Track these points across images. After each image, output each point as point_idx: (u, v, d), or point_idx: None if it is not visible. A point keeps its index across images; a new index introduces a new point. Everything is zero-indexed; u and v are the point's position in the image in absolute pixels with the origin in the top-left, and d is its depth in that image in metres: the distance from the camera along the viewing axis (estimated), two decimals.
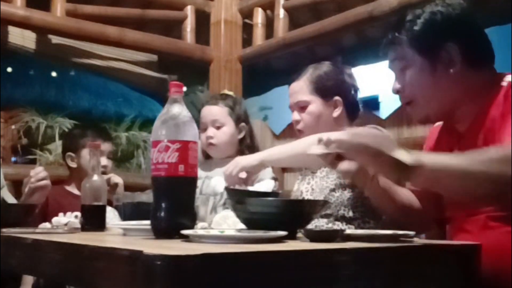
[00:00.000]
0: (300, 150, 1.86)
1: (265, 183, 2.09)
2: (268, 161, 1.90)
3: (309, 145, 1.76)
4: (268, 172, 2.22)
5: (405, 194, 1.68)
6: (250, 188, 1.87)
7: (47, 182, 2.17)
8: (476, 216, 1.46)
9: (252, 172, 1.91)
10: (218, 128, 2.39)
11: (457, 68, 1.47)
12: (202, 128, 2.41)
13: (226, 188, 1.76)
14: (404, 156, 1.21)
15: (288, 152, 1.91)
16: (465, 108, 1.50)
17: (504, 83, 1.45)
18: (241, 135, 2.44)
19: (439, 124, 1.70)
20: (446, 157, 1.29)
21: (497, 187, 1.20)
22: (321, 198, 1.95)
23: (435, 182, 1.26)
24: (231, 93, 2.60)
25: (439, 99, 1.45)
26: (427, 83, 1.50)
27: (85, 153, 2.69)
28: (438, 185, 1.31)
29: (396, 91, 1.58)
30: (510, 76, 1.46)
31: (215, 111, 2.40)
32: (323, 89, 2.06)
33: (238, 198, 1.64)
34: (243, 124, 2.44)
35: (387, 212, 1.77)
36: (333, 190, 1.95)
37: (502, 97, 1.41)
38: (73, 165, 2.81)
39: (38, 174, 2.15)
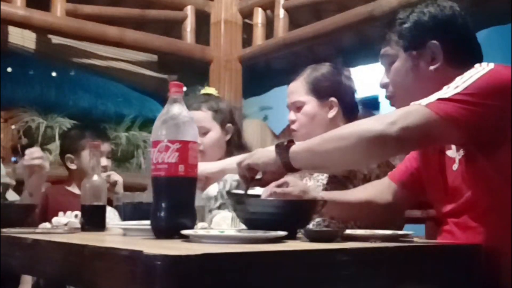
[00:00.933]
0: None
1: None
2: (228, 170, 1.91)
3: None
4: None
5: (359, 194, 1.76)
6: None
7: (42, 161, 2.15)
8: (457, 218, 1.47)
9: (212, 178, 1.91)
10: (203, 134, 2.30)
11: (438, 66, 1.51)
12: None
13: (227, 192, 1.75)
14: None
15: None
16: None
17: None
18: (228, 137, 2.39)
19: None
20: (306, 142, 1.49)
21: (340, 157, 1.41)
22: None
23: (306, 161, 1.44)
24: (212, 90, 2.52)
25: (417, 94, 1.46)
26: (408, 78, 1.55)
27: (85, 154, 2.69)
28: (309, 163, 1.47)
29: (383, 85, 1.64)
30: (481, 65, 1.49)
31: (198, 117, 2.29)
32: (319, 90, 2.06)
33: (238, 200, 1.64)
34: (229, 125, 2.38)
35: (351, 217, 1.85)
36: (324, 189, 1.95)
37: None
38: (73, 166, 2.79)
39: (33, 154, 2.15)
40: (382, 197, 1.74)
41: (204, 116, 2.34)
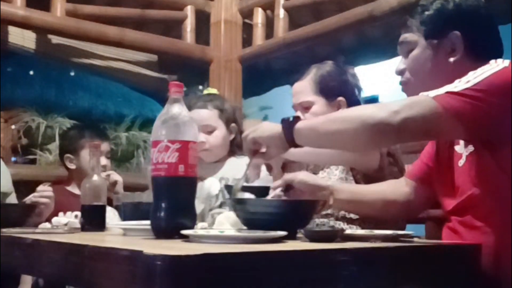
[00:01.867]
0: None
1: (262, 178, 2.08)
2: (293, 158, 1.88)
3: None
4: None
5: (379, 190, 1.74)
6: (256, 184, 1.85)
7: (48, 201, 2.17)
8: (461, 216, 1.46)
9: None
10: (209, 132, 2.32)
11: (458, 58, 1.49)
12: None
13: (226, 186, 1.75)
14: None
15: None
16: None
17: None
18: (232, 136, 2.39)
19: None
20: (312, 120, 1.56)
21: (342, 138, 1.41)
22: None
23: (308, 139, 1.45)
24: (215, 91, 2.53)
25: (433, 84, 1.45)
26: (425, 66, 1.54)
27: (84, 154, 2.68)
28: (311, 141, 1.48)
29: (399, 72, 1.61)
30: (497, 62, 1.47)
31: (205, 115, 2.32)
32: (327, 90, 2.05)
33: (255, 193, 1.65)
34: (233, 125, 2.39)
35: (368, 215, 1.83)
36: None
37: None
38: (72, 166, 2.79)
39: (43, 193, 2.16)
40: (398, 194, 1.71)
41: (210, 114, 2.34)
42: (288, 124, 1.44)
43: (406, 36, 1.59)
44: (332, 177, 1.99)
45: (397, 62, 1.65)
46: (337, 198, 1.70)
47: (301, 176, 1.70)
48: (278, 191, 1.64)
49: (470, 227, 1.43)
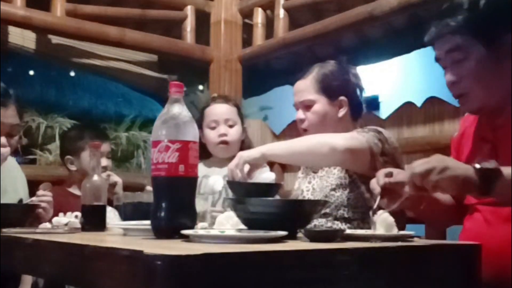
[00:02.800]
0: (303, 149, 1.86)
1: (266, 175, 2.09)
2: (269, 155, 1.87)
3: (313, 144, 1.79)
4: (265, 168, 2.23)
5: (444, 196, 1.64)
6: (253, 181, 1.86)
7: (47, 205, 2.17)
8: (495, 206, 1.42)
9: (254, 165, 1.87)
10: (230, 126, 2.38)
11: None
12: (210, 126, 2.38)
13: (229, 182, 1.75)
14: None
15: (290, 149, 1.89)
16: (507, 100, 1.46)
17: None
18: (243, 136, 2.45)
19: None
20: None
21: None
22: (321, 197, 1.94)
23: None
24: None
25: (498, 92, 1.40)
26: (488, 75, 1.43)
27: (84, 155, 2.68)
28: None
29: (451, 83, 1.49)
30: None
31: (227, 110, 2.40)
32: (329, 89, 2.05)
33: (242, 191, 1.65)
34: (245, 126, 2.46)
35: (439, 223, 1.77)
36: (333, 189, 1.95)
37: None
38: (73, 168, 2.78)
39: (42, 197, 2.16)
40: (450, 198, 1.65)
41: (231, 109, 2.42)
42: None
43: (453, 44, 1.44)
44: (331, 176, 1.99)
45: (446, 76, 1.49)
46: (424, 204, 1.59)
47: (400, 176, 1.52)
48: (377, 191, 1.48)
49: (505, 219, 1.39)
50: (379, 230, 1.35)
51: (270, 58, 4.54)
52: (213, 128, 2.38)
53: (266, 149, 1.89)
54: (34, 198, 2.16)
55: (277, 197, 2.22)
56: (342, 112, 2.05)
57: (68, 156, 2.79)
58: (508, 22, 1.40)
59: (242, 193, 1.67)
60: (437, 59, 1.53)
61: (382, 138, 1.89)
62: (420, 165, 1.28)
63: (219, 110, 2.40)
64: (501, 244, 1.40)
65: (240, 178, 1.81)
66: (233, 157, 2.25)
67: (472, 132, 1.61)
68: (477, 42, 1.42)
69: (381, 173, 1.43)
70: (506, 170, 1.27)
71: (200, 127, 2.36)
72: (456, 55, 1.46)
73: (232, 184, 1.72)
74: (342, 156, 1.81)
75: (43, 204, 2.14)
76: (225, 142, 2.36)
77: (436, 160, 1.27)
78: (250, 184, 1.75)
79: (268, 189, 1.71)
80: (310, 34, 3.79)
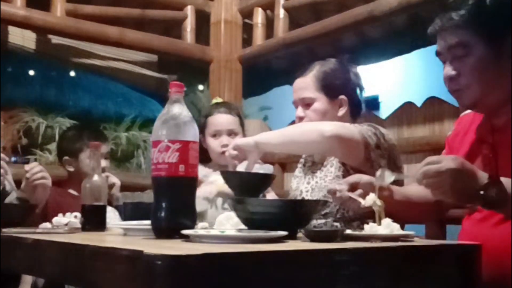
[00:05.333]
0: (293, 136, 1.86)
1: (263, 167, 2.09)
2: (262, 143, 1.85)
3: (303, 131, 1.79)
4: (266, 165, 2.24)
5: (416, 190, 1.68)
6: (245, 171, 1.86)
7: (44, 174, 2.16)
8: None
9: (246, 151, 1.85)
10: (234, 135, 2.40)
11: None
12: (213, 134, 2.41)
13: (222, 172, 1.75)
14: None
15: (282, 137, 1.89)
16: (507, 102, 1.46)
17: None
18: None
19: (466, 113, 1.67)
20: None
21: None
22: (320, 198, 1.94)
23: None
24: (221, 100, 2.65)
25: (497, 91, 1.40)
26: (487, 73, 1.43)
27: (83, 156, 2.67)
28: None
29: (450, 78, 1.48)
30: None
31: (230, 120, 2.43)
32: (330, 87, 2.04)
33: (235, 180, 1.65)
34: (245, 133, 2.48)
35: (413, 217, 1.77)
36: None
37: None
38: (71, 169, 2.75)
39: (32, 169, 2.15)
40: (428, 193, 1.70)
41: (234, 120, 2.45)
42: None
43: (458, 39, 1.43)
44: (329, 175, 1.99)
45: (445, 69, 1.49)
46: (394, 199, 1.64)
47: (367, 178, 1.61)
48: (345, 193, 1.58)
49: (505, 219, 1.39)
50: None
51: (270, 58, 4.54)
52: (215, 137, 2.39)
53: (259, 137, 1.88)
54: (27, 175, 2.15)
55: (272, 194, 2.23)
56: (342, 111, 2.05)
57: (66, 157, 2.76)
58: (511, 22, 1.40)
59: (235, 182, 1.67)
60: (438, 53, 1.52)
61: (378, 133, 1.89)
62: (432, 164, 1.28)
63: (222, 121, 2.43)
64: (501, 244, 1.40)
65: (232, 163, 1.82)
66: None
67: (468, 132, 1.61)
68: (480, 40, 1.41)
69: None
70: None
71: (201, 132, 2.37)
72: (458, 51, 1.45)
73: (225, 173, 1.72)
74: (330, 142, 1.79)
75: (39, 176, 2.13)
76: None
77: (449, 165, 1.27)
78: (244, 174, 1.76)
79: (261, 179, 1.71)
80: (310, 34, 3.79)
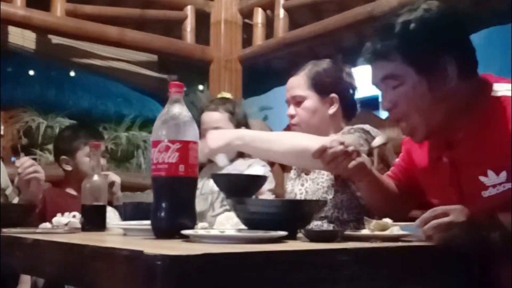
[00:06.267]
0: (280, 151, 1.81)
1: (256, 169, 2.09)
2: (237, 145, 1.80)
3: (291, 148, 1.76)
4: (257, 162, 2.24)
5: (390, 183, 1.70)
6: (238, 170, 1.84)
7: (36, 168, 2.15)
8: None
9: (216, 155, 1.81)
10: None
11: (453, 82, 1.41)
12: (203, 134, 2.39)
13: (213, 175, 1.74)
14: None
15: (270, 147, 1.83)
16: (458, 119, 1.46)
17: (498, 93, 1.41)
18: None
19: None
20: None
21: None
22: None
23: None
24: (229, 95, 2.60)
25: (438, 117, 1.42)
26: (423, 101, 1.43)
27: (79, 155, 2.67)
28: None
29: (388, 109, 1.49)
30: (499, 85, 1.43)
31: (216, 118, 2.40)
32: (320, 85, 2.05)
33: (225, 183, 1.64)
34: (243, 128, 2.43)
35: (377, 206, 1.74)
36: (325, 192, 1.94)
37: (502, 113, 1.38)
38: (68, 168, 2.74)
39: (24, 164, 2.14)
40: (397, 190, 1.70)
41: (221, 117, 2.41)
42: None
43: (388, 70, 1.43)
44: (321, 178, 1.98)
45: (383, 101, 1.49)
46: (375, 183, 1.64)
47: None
48: (338, 147, 1.49)
49: None
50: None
51: (270, 58, 4.54)
52: (204, 137, 2.39)
53: (236, 136, 1.82)
54: (19, 170, 2.15)
55: (268, 194, 2.23)
56: (332, 109, 2.05)
57: (63, 157, 2.75)
58: (439, 46, 1.41)
59: (224, 184, 1.66)
60: (372, 83, 1.53)
61: (369, 138, 1.88)
62: (440, 217, 1.29)
63: (208, 119, 2.41)
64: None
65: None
66: (231, 161, 2.24)
67: (422, 146, 1.61)
68: (410, 68, 1.42)
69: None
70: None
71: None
72: (391, 82, 1.45)
73: (216, 176, 1.71)
74: (316, 162, 1.77)
75: (31, 170, 2.13)
76: None
77: (459, 218, 1.29)
78: (232, 175, 1.75)
79: (250, 180, 1.70)
80: (310, 34, 3.80)
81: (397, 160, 1.78)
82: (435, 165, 1.54)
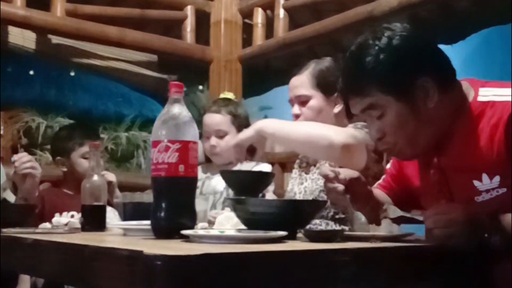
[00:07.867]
0: (300, 138, 1.83)
1: (261, 166, 2.09)
2: (265, 133, 1.83)
3: (312, 136, 1.77)
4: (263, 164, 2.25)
5: (381, 197, 1.69)
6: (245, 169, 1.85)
7: (32, 164, 2.16)
8: None
9: (246, 146, 1.84)
10: (221, 137, 2.38)
11: (435, 99, 1.39)
12: (205, 136, 2.40)
13: (221, 171, 1.75)
14: None
15: (289, 135, 1.86)
16: (445, 130, 1.45)
17: (484, 98, 1.41)
18: None
19: None
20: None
21: None
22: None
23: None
24: (231, 95, 2.58)
25: (424, 137, 1.41)
26: (409, 126, 1.41)
27: (74, 156, 2.67)
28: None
29: (377, 139, 1.46)
30: (485, 89, 1.42)
31: (218, 120, 2.39)
32: (325, 85, 2.04)
33: (234, 179, 1.65)
34: (244, 129, 2.44)
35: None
36: (323, 191, 1.94)
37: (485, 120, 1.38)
38: (64, 169, 2.73)
39: (21, 159, 2.15)
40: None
41: (223, 119, 2.40)
42: None
43: (366, 102, 1.41)
44: (320, 178, 1.98)
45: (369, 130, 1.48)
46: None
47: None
48: (340, 187, 1.49)
49: None
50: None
51: (270, 58, 4.54)
52: (206, 138, 2.39)
53: (263, 125, 1.85)
54: (16, 164, 2.15)
55: (271, 194, 2.23)
56: (338, 108, 2.05)
57: (58, 158, 2.74)
58: (412, 69, 1.38)
59: (233, 181, 1.67)
60: (354, 115, 1.50)
61: None
62: (442, 214, 1.30)
63: (210, 121, 2.41)
64: None
65: (236, 160, 1.81)
66: (231, 162, 2.25)
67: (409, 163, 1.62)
68: (389, 97, 1.39)
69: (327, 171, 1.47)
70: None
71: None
72: (373, 113, 1.43)
73: (224, 173, 1.72)
74: (339, 153, 1.78)
75: (28, 165, 2.13)
76: (215, 154, 2.38)
77: (460, 215, 1.29)
78: (241, 172, 1.75)
79: (259, 177, 1.70)
80: (310, 34, 3.80)
81: (388, 166, 1.76)
82: (424, 172, 1.54)
